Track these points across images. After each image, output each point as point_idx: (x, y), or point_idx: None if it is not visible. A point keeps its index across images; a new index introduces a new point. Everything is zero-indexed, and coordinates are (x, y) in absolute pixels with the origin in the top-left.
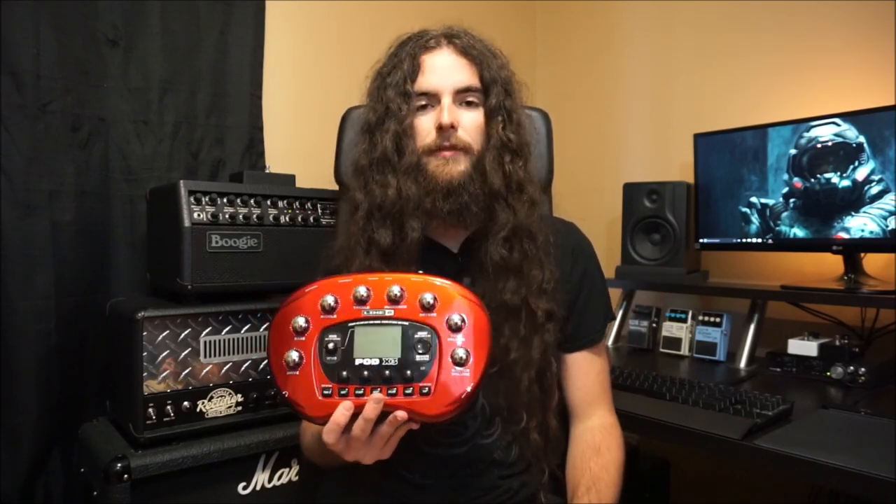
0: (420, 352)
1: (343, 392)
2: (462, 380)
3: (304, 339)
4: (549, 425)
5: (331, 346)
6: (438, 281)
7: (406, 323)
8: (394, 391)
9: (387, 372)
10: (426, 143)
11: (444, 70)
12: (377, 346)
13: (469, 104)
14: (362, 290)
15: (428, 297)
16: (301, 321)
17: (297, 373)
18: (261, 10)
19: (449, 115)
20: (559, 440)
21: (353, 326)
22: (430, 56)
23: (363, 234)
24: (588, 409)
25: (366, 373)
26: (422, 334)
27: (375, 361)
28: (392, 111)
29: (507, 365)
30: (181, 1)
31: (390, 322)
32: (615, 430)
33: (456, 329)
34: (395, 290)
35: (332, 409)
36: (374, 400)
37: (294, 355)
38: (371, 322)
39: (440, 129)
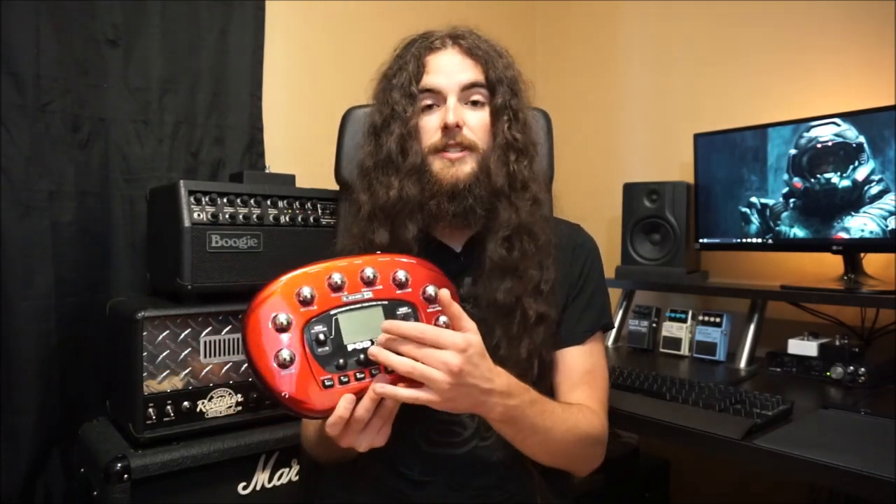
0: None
1: (344, 379)
2: None
3: (289, 335)
4: None
5: (320, 336)
6: (403, 259)
7: (386, 302)
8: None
9: None
10: (432, 142)
11: (449, 69)
12: (365, 329)
13: (475, 104)
14: (337, 277)
15: (401, 275)
16: (282, 318)
17: (294, 370)
18: (261, 10)
19: (454, 115)
20: None
21: (336, 314)
22: (436, 56)
23: (363, 236)
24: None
25: (361, 356)
26: (403, 310)
27: (367, 343)
28: (397, 113)
29: (496, 363)
30: (181, 1)
31: (371, 304)
32: (600, 422)
33: (432, 300)
34: (368, 272)
35: (335, 401)
36: (380, 380)
37: (286, 354)
38: (353, 307)
39: (446, 128)
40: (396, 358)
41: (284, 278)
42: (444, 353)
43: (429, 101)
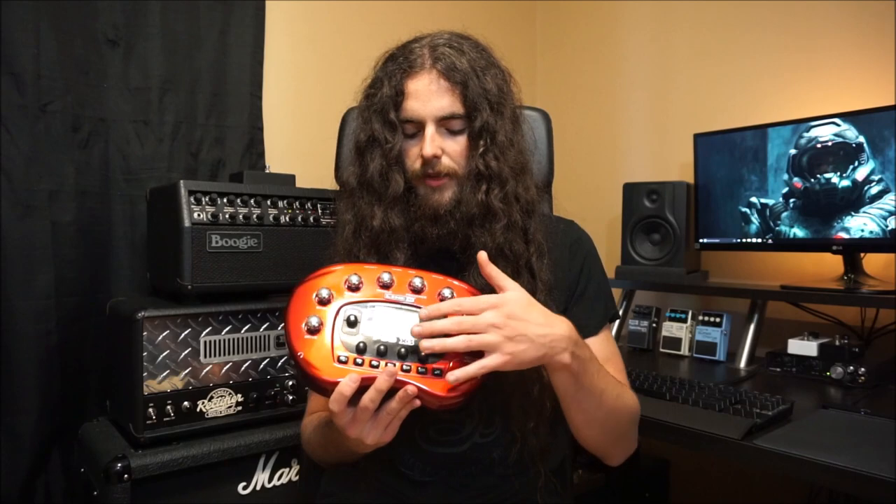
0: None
1: (359, 362)
2: None
3: (325, 308)
4: (540, 434)
5: (352, 318)
6: (456, 281)
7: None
8: (408, 368)
9: (402, 350)
10: (415, 169)
11: (426, 97)
12: (396, 327)
13: (453, 131)
14: (386, 276)
15: (446, 293)
16: (325, 292)
17: (315, 337)
18: (261, 10)
19: (431, 147)
20: (551, 448)
21: (374, 306)
22: (413, 81)
23: (349, 252)
24: None
25: (382, 347)
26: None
27: (393, 339)
28: (378, 140)
29: (497, 379)
30: (181, 1)
31: (410, 308)
32: (635, 398)
33: None
34: (417, 281)
35: (342, 377)
36: (388, 373)
37: (314, 320)
38: (392, 305)
39: (425, 158)
40: (449, 340)
41: (344, 265)
42: (485, 314)
43: (411, 130)
